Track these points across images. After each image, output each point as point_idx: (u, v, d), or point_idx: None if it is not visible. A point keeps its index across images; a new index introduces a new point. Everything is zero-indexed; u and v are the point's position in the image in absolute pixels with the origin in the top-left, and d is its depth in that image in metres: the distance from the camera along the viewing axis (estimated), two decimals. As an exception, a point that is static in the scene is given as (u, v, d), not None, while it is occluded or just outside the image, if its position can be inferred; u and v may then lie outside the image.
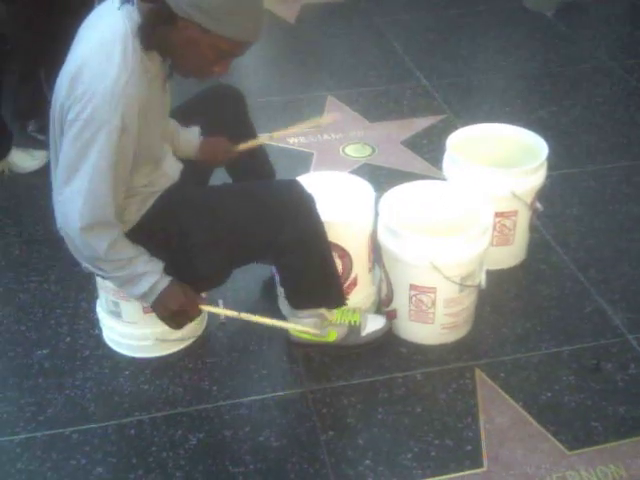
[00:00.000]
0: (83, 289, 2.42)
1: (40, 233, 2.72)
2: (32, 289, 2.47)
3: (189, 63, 1.75)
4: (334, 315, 2.13)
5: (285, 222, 1.90)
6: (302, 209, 1.93)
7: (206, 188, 2.18)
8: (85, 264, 1.89)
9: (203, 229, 1.93)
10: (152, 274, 1.86)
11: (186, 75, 1.81)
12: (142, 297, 1.90)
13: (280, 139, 2.30)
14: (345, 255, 2.15)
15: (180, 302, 1.90)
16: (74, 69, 1.70)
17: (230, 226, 1.92)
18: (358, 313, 2.17)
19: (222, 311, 2.02)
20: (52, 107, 1.82)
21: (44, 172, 2.94)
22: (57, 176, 1.80)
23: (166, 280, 1.88)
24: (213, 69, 1.76)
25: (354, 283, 2.20)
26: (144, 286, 1.86)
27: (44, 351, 2.22)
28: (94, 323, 2.28)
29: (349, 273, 2.17)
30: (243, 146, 2.21)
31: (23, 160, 3.12)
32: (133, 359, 2.18)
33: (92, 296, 2.32)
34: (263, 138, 2.30)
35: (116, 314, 2.13)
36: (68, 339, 2.26)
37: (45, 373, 2.15)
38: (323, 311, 2.11)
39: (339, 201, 2.18)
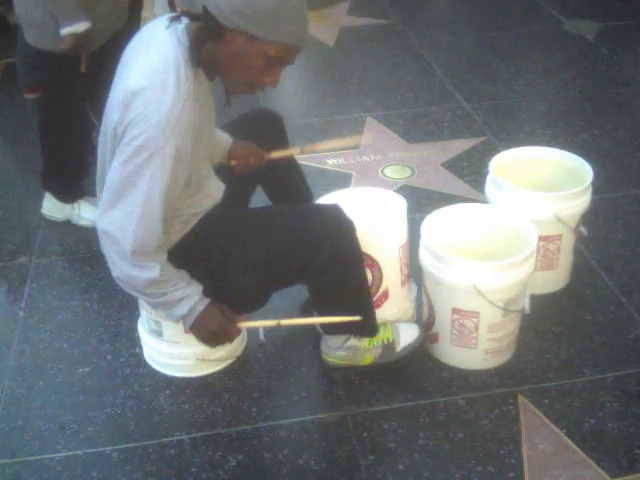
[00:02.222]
0: (124, 307, 2.43)
1: (82, 252, 2.75)
2: (74, 307, 2.49)
3: (240, 76, 1.75)
4: (365, 342, 2.12)
5: (323, 246, 1.90)
6: (341, 234, 1.93)
7: (246, 210, 2.19)
8: (131, 289, 1.89)
9: (242, 251, 1.93)
10: (191, 297, 1.87)
11: (238, 90, 1.81)
12: (181, 319, 1.91)
13: (310, 153, 2.31)
14: (374, 265, 2.14)
15: (219, 322, 1.91)
16: (127, 95, 1.70)
17: (269, 248, 1.93)
18: (390, 328, 2.15)
19: (261, 323, 2.02)
20: (102, 131, 1.84)
21: (88, 191, 3.00)
22: (102, 198, 1.81)
23: (204, 302, 1.89)
24: (264, 80, 1.75)
25: (385, 295, 2.19)
26: (183, 309, 1.87)
27: (86, 369, 2.24)
28: (135, 342, 2.29)
29: (379, 285, 2.16)
30: (274, 154, 2.21)
31: (87, 211, 2.89)
32: (173, 378, 2.18)
33: (133, 314, 2.33)
34: (294, 149, 2.28)
35: (157, 333, 2.14)
36: (109, 357, 2.28)
37: (86, 391, 2.17)
38: (353, 342, 2.11)
39: (368, 211, 2.18)
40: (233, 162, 2.15)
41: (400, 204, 2.21)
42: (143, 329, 2.21)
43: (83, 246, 2.78)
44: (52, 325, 2.42)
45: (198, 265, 1.93)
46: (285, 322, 1.97)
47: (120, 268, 1.82)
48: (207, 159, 1.98)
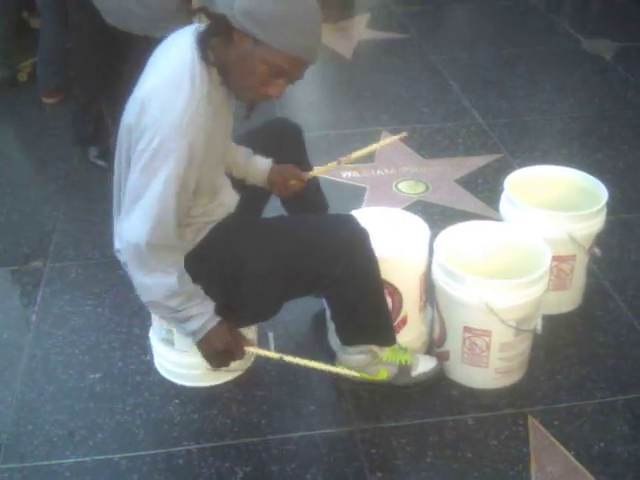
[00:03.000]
0: (136, 315, 2.44)
1: (97, 257, 2.76)
2: (86, 313, 2.50)
3: (244, 80, 1.74)
4: (384, 353, 2.11)
5: (339, 256, 1.90)
6: (356, 244, 1.93)
7: (261, 219, 2.19)
8: (149, 299, 1.89)
9: (256, 260, 1.93)
10: (204, 314, 1.89)
11: (243, 97, 1.81)
12: (190, 334, 1.92)
13: (348, 163, 2.29)
14: (395, 292, 2.13)
15: (226, 342, 1.93)
16: (143, 98, 1.73)
17: (284, 257, 1.93)
18: (409, 353, 2.15)
19: (265, 352, 2.02)
20: (120, 133, 1.86)
21: (102, 197, 3.02)
22: (122, 203, 1.83)
23: (216, 319, 1.91)
24: (267, 90, 1.74)
25: (403, 322, 2.19)
26: (195, 325, 1.89)
27: (96, 375, 2.25)
28: (146, 349, 2.29)
29: (399, 311, 2.16)
30: (313, 173, 2.23)
31: None
32: (183, 387, 2.18)
33: (145, 322, 2.34)
34: (331, 165, 2.26)
35: (169, 342, 2.14)
36: (120, 364, 2.29)
37: (96, 397, 2.17)
38: (374, 348, 2.10)
39: (392, 237, 2.17)
40: (272, 185, 2.17)
41: (424, 232, 2.19)
42: (154, 337, 2.22)
43: (97, 251, 2.79)
44: (64, 330, 2.43)
45: (211, 273, 1.93)
46: (288, 358, 1.98)
47: (138, 275, 1.83)
48: (222, 167, 2.00)
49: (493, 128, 3.60)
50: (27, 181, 3.33)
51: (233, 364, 2.12)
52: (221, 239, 1.96)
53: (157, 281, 1.82)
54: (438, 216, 2.91)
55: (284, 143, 2.23)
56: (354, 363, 2.12)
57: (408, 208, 2.94)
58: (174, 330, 2.09)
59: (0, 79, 4.03)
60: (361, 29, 4.90)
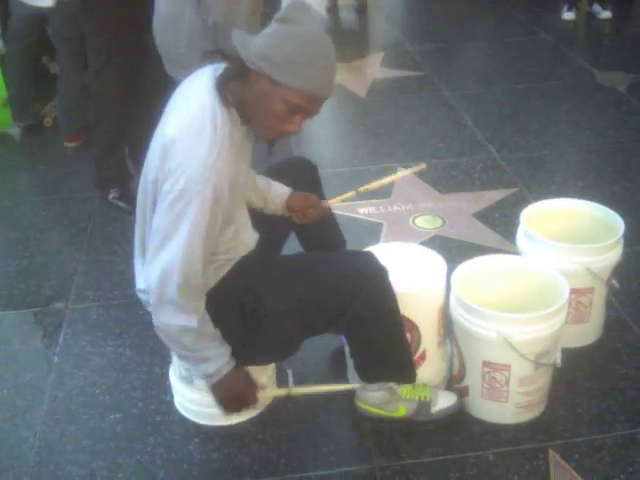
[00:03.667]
0: (157, 354, 2.46)
1: (117, 298, 2.79)
2: (107, 353, 2.53)
3: (263, 120, 1.78)
4: (404, 390, 2.11)
5: (358, 293, 1.91)
6: (375, 281, 1.94)
7: (280, 257, 2.21)
8: (168, 338, 1.91)
9: (275, 298, 1.95)
10: (220, 358, 1.91)
11: (262, 136, 1.85)
12: (205, 376, 1.94)
13: (365, 192, 2.32)
14: (413, 328, 2.13)
15: (240, 388, 1.95)
16: (167, 142, 1.77)
17: (302, 295, 1.94)
18: (429, 389, 2.14)
19: (273, 392, 2.04)
20: (143, 177, 1.90)
21: (123, 238, 3.07)
22: (148, 244, 1.86)
23: (231, 364, 1.93)
24: (286, 127, 1.77)
25: (422, 357, 2.18)
26: (210, 368, 1.91)
27: (117, 415, 2.26)
28: (166, 389, 2.30)
29: (417, 347, 2.16)
30: (331, 202, 2.25)
31: None
32: (203, 426, 2.19)
33: (165, 361, 2.35)
34: (349, 195, 2.29)
35: (188, 380, 2.16)
36: (140, 404, 2.30)
37: (117, 437, 2.19)
38: (393, 385, 2.09)
39: (409, 272, 2.18)
40: (291, 213, 2.20)
41: (441, 267, 2.20)
42: (174, 376, 2.23)
43: (118, 292, 2.82)
44: (85, 371, 2.45)
45: (231, 311, 1.95)
46: (296, 391, 2.00)
47: (162, 315, 1.85)
48: (244, 202, 2.03)
49: (509, 162, 3.62)
50: (50, 224, 3.39)
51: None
52: (241, 276, 1.98)
53: (179, 321, 1.84)
54: (455, 250, 2.92)
55: (300, 181, 2.26)
56: (373, 400, 2.12)
57: (425, 243, 2.96)
58: (193, 369, 2.11)
59: (25, 127, 4.12)
60: (375, 68, 4.97)
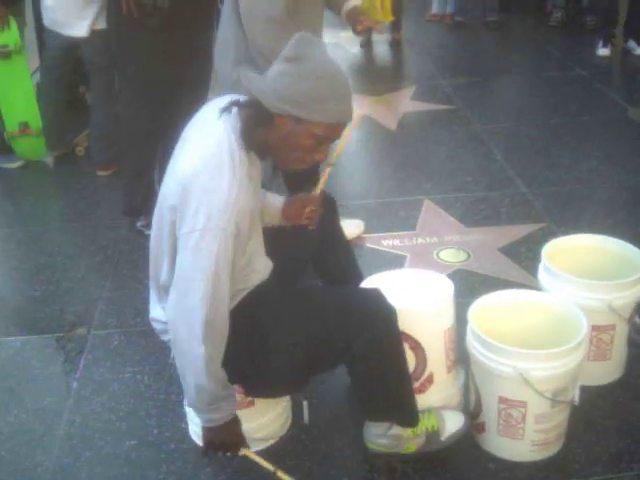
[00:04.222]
0: (174, 382, 2.45)
1: (139, 325, 2.81)
2: (126, 379, 2.54)
3: (291, 155, 1.82)
4: (408, 432, 2.08)
5: (361, 331, 1.89)
6: (380, 320, 1.93)
7: (289, 290, 2.17)
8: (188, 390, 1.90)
9: (282, 332, 1.95)
10: (230, 407, 1.90)
11: (289, 168, 1.90)
12: (205, 420, 1.92)
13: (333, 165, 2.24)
14: (417, 347, 2.11)
15: (227, 439, 1.94)
16: (185, 181, 1.78)
17: (309, 330, 1.93)
18: (434, 415, 2.11)
19: (260, 460, 2.00)
20: (159, 207, 1.92)
21: (147, 265, 3.09)
22: (174, 288, 1.84)
23: (232, 415, 1.92)
24: (314, 157, 1.82)
25: (429, 381, 2.15)
26: (217, 414, 1.89)
27: (132, 442, 2.27)
28: (182, 416, 2.30)
29: (423, 369, 2.13)
30: (319, 186, 2.19)
31: None
32: (215, 455, 2.17)
33: (182, 389, 2.35)
34: (327, 170, 2.21)
35: (202, 409, 2.15)
36: (155, 431, 2.30)
37: (131, 464, 2.19)
38: (397, 430, 2.07)
39: (413, 292, 2.18)
40: (290, 220, 2.19)
41: (447, 286, 2.20)
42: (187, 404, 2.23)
43: (140, 319, 2.84)
44: (104, 397, 2.46)
45: (239, 344, 1.93)
46: (281, 474, 1.97)
47: (192, 356, 1.81)
48: (258, 233, 2.03)
49: (538, 197, 3.59)
50: (78, 250, 3.44)
51: (266, 433, 2.12)
52: (250, 309, 1.98)
53: (200, 381, 1.82)
54: (479, 285, 2.88)
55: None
56: (380, 446, 2.11)
57: (448, 276, 2.89)
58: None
59: (59, 155, 4.21)
60: (406, 101, 4.99)
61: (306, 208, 2.18)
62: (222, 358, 1.85)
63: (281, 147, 1.81)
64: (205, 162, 1.79)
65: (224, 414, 1.90)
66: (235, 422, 1.94)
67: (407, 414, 2.06)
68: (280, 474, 1.96)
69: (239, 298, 1.98)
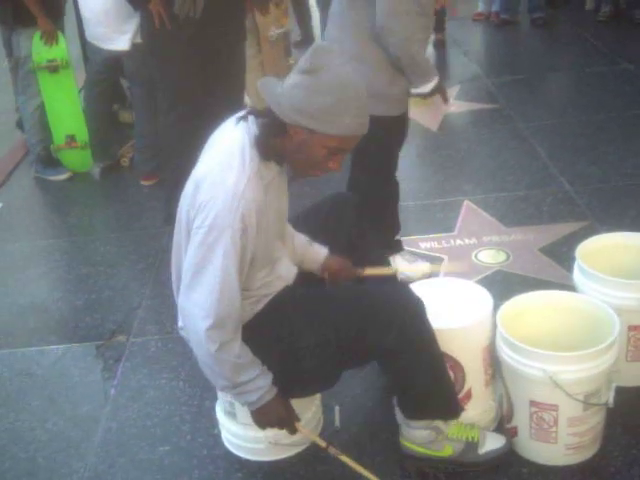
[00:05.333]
0: (209, 388, 2.46)
1: (176, 331, 2.81)
2: (162, 385, 2.57)
3: (305, 164, 1.85)
4: (450, 429, 2.05)
5: (391, 325, 1.88)
6: (410, 312, 1.92)
7: (316, 290, 2.18)
8: (211, 372, 1.94)
9: (312, 330, 1.95)
10: (262, 388, 1.91)
11: (304, 175, 1.91)
12: (247, 404, 1.95)
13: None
14: (456, 366, 2.08)
15: (280, 416, 1.96)
16: (198, 179, 1.85)
17: (336, 328, 1.93)
18: (477, 429, 2.07)
19: (314, 437, 2.02)
20: (179, 211, 1.96)
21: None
22: (183, 282, 1.89)
23: (272, 392, 1.93)
24: (327, 166, 1.84)
25: (467, 396, 2.12)
26: (252, 396, 1.92)
27: (166, 447, 2.29)
28: (215, 422, 2.31)
29: (462, 385, 2.10)
30: (366, 272, 2.22)
31: None
32: (247, 461, 2.19)
33: (216, 395, 2.37)
34: (387, 270, 2.29)
35: (231, 415, 2.17)
36: (189, 437, 2.32)
37: (164, 470, 2.21)
38: (439, 423, 2.04)
39: (452, 308, 2.13)
40: (325, 274, 2.20)
41: (485, 301, 2.14)
42: (220, 410, 2.25)
43: (177, 325, 2.86)
44: (140, 403, 2.50)
45: (268, 344, 1.96)
46: (333, 451, 1.99)
47: (202, 350, 1.87)
48: (279, 242, 2.04)
49: (581, 195, 3.50)
50: (120, 259, 3.50)
51: (296, 438, 2.12)
52: (277, 311, 1.99)
53: (220, 355, 1.86)
54: (518, 286, 2.81)
55: (344, 217, 2.25)
56: (418, 439, 2.07)
57: (487, 278, 2.89)
58: (236, 403, 2.11)
59: (104, 167, 4.30)
60: (449, 102, 4.91)
61: (343, 272, 2.19)
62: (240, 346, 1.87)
63: (296, 156, 1.83)
64: (217, 161, 1.84)
65: (257, 396, 1.91)
66: (276, 401, 1.94)
67: (448, 407, 2.04)
68: (331, 450, 1.99)
69: (263, 303, 1.99)
